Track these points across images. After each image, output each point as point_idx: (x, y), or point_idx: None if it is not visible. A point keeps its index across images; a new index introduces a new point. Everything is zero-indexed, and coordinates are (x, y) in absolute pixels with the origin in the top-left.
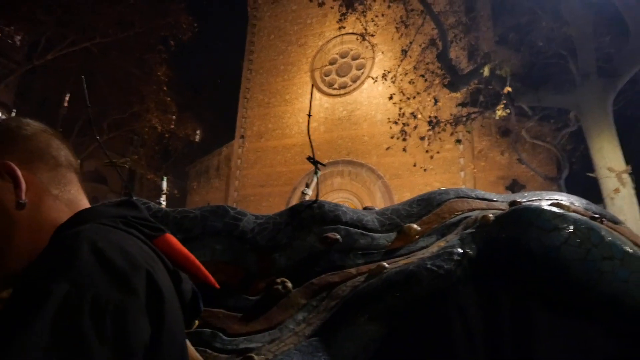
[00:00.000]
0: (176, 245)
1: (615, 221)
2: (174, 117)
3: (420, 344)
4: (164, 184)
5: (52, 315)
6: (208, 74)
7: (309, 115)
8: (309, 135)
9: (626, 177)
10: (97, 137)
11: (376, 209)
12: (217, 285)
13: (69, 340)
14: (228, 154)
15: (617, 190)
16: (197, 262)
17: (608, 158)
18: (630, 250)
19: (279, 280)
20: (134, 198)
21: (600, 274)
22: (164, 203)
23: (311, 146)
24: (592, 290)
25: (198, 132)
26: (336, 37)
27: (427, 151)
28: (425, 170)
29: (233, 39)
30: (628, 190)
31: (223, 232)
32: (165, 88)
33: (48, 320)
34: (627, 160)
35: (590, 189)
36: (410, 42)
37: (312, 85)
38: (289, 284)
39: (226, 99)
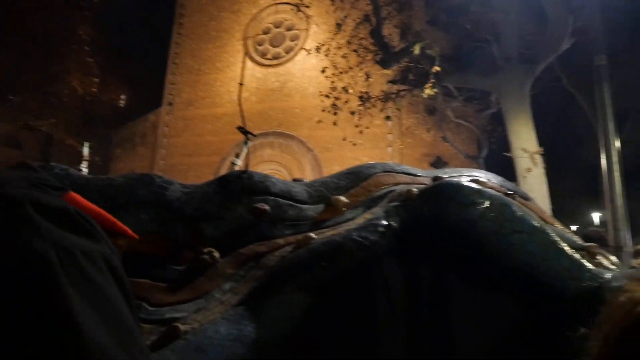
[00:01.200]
0: (83, 202)
1: (526, 198)
2: (96, 80)
3: (345, 312)
4: (86, 150)
5: (64, 278)
6: (135, 37)
7: (241, 84)
8: (240, 105)
9: (538, 158)
10: (11, 97)
11: (305, 180)
12: (136, 236)
13: (92, 292)
14: (155, 121)
15: (529, 170)
16: (109, 215)
17: (523, 139)
18: (538, 225)
19: (206, 250)
20: (53, 164)
21: (510, 247)
22: (85, 170)
23: (242, 116)
24: (504, 262)
25: (123, 96)
26: (270, 5)
27: (357, 126)
28: (354, 144)
29: (163, 0)
30: (539, 170)
31: (149, 201)
32: (87, 48)
33: (64, 285)
34: (540, 142)
35: (506, 167)
36: (345, 17)
37: (245, 54)
38: (216, 254)
39: (154, 63)
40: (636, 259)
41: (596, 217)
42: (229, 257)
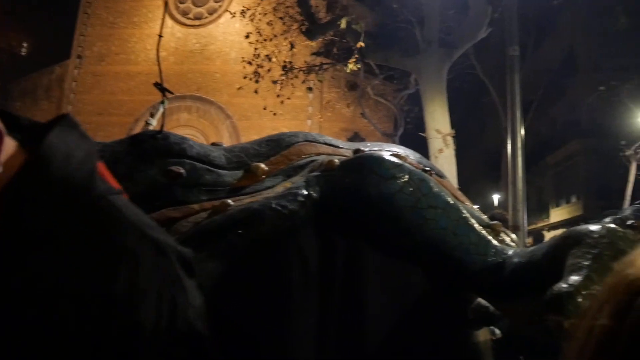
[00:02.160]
0: (109, 176)
1: (441, 175)
2: None
3: (260, 281)
4: None
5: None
6: None
7: (160, 36)
8: (158, 59)
9: (449, 140)
10: None
11: (224, 145)
12: None
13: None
14: (61, 74)
15: (441, 150)
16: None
17: (437, 121)
18: (451, 202)
19: None
20: None
21: (425, 221)
22: None
23: (160, 71)
24: (418, 236)
25: (25, 44)
26: None
27: (278, 96)
28: (274, 114)
29: None
30: (450, 151)
31: None
32: None
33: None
34: (452, 125)
35: (419, 147)
36: None
37: (165, 10)
38: None
39: (63, 11)
40: (529, 237)
41: (495, 198)
42: None
